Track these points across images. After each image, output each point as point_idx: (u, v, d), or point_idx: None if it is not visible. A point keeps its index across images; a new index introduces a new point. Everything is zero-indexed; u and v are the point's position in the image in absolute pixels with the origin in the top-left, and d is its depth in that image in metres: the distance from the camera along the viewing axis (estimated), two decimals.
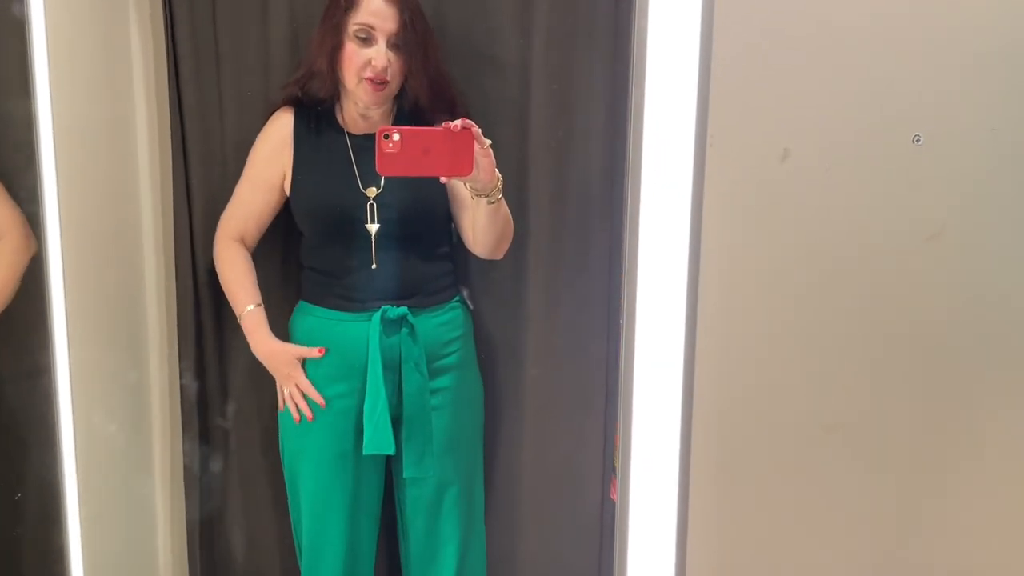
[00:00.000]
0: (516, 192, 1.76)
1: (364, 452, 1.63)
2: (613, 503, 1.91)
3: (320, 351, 1.66)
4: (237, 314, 1.71)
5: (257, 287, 1.72)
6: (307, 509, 1.72)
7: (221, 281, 1.73)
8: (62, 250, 1.39)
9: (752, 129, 0.92)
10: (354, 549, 1.73)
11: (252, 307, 1.69)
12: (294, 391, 1.68)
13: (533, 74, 1.74)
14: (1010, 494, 1.02)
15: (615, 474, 1.87)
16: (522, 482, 1.91)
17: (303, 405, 1.67)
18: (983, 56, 0.92)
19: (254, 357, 1.77)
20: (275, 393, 1.76)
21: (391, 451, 1.64)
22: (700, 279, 0.93)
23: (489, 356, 1.86)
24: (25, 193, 1.52)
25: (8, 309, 1.52)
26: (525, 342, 1.85)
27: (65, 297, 1.40)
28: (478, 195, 1.51)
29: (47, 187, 1.37)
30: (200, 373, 1.84)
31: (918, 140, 0.93)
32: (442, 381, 1.70)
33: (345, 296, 1.66)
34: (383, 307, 1.63)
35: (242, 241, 1.72)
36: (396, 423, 1.67)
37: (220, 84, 1.76)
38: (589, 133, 1.76)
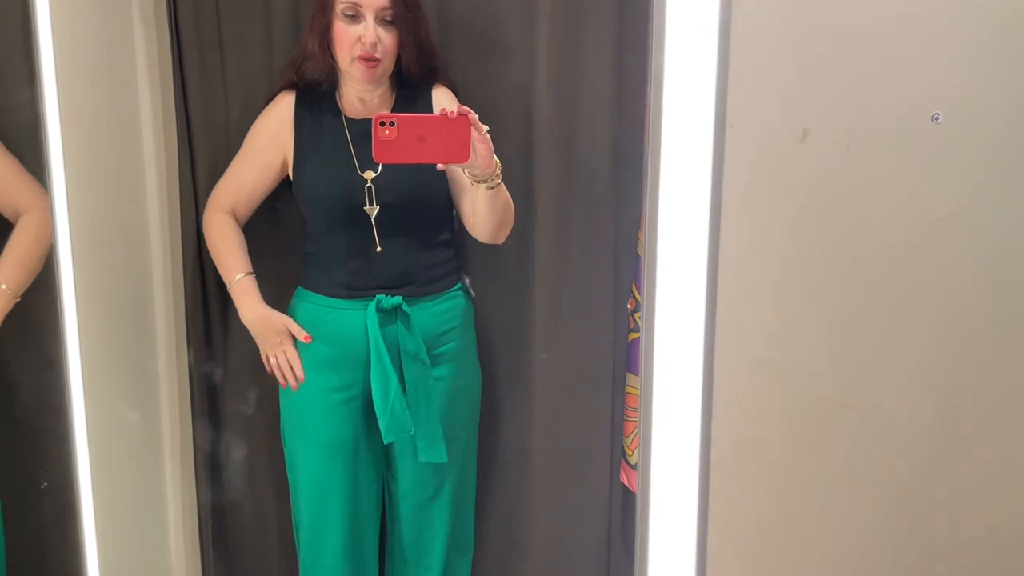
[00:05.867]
0: (522, 176, 1.76)
1: (385, 440, 1.64)
2: (622, 485, 1.93)
3: (307, 338, 1.66)
4: (227, 282, 1.70)
5: (248, 257, 1.70)
6: (306, 497, 1.72)
7: (211, 249, 1.72)
8: (71, 245, 1.39)
9: (771, 110, 0.92)
10: (356, 537, 1.73)
11: (242, 275, 1.68)
12: (281, 359, 1.67)
13: (539, 57, 1.74)
14: None
15: (624, 458, 1.89)
16: (531, 466, 1.92)
17: (288, 375, 1.67)
18: (1002, 33, 0.92)
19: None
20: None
21: (411, 432, 1.65)
22: (720, 262, 0.93)
23: (497, 341, 1.86)
24: None
25: (19, 303, 1.52)
26: (532, 326, 1.86)
27: (75, 289, 1.39)
28: (477, 181, 1.51)
29: (55, 179, 1.36)
30: (209, 360, 1.84)
31: (937, 119, 0.93)
32: (439, 370, 1.70)
33: (342, 283, 1.66)
34: (378, 296, 1.63)
35: (232, 215, 1.71)
36: None
37: (224, 72, 1.75)
38: (595, 116, 1.76)
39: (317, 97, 1.66)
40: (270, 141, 1.67)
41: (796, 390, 0.99)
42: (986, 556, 1.04)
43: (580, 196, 1.80)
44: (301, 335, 1.66)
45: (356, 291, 1.64)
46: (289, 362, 1.67)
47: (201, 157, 1.76)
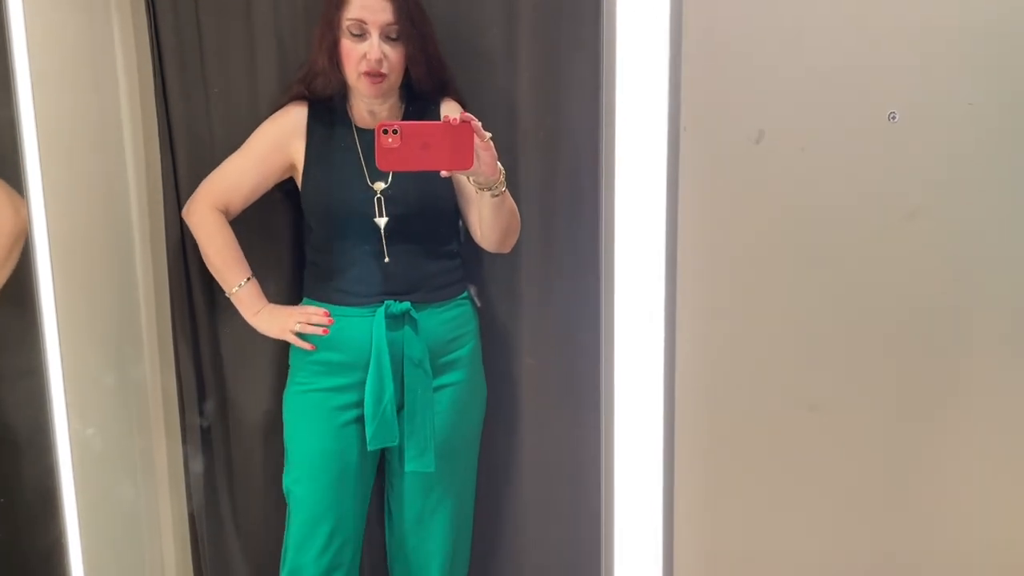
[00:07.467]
0: (507, 181, 1.75)
1: (369, 448, 1.64)
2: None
3: (325, 312, 1.65)
4: (228, 289, 1.69)
5: (244, 258, 1.69)
6: (300, 501, 1.71)
7: (207, 250, 1.69)
8: (50, 252, 1.40)
9: (725, 112, 0.92)
10: (343, 533, 1.72)
11: (244, 281, 1.68)
12: (308, 320, 1.65)
13: (519, 65, 1.74)
14: (990, 471, 1.02)
15: None
16: (521, 472, 1.91)
17: (323, 320, 1.65)
18: (957, 30, 0.91)
19: (248, 351, 1.77)
20: (269, 389, 1.77)
21: (395, 443, 1.65)
22: (678, 264, 0.93)
23: (485, 347, 1.86)
24: None
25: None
26: (519, 333, 1.85)
27: (55, 298, 1.40)
28: (481, 188, 1.52)
29: (32, 188, 1.37)
30: (197, 370, 1.85)
31: (893, 117, 0.92)
32: (444, 379, 1.70)
33: (349, 291, 1.66)
34: (387, 302, 1.64)
35: (224, 212, 1.69)
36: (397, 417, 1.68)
37: (205, 77, 1.76)
38: (576, 123, 1.76)
39: (328, 109, 1.67)
40: (277, 148, 1.67)
41: (760, 392, 0.99)
42: (954, 553, 1.03)
43: (565, 200, 1.80)
44: (316, 318, 1.65)
45: (363, 298, 1.65)
46: (315, 315, 1.65)
47: (183, 164, 1.77)
